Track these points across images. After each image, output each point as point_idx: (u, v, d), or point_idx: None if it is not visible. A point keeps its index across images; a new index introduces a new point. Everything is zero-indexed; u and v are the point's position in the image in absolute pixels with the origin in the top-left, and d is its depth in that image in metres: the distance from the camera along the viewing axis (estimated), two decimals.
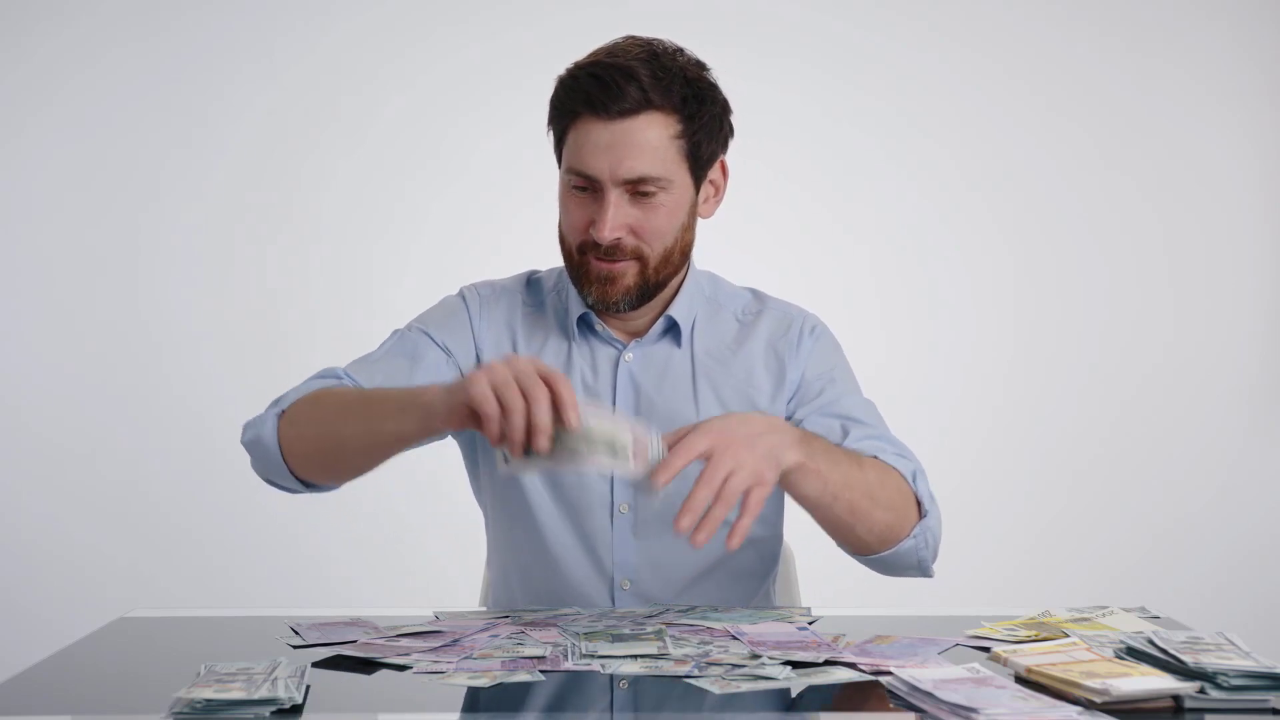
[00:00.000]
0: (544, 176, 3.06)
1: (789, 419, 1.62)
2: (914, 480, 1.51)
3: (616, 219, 1.53)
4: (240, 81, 3.23)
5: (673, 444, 1.30)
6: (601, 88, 1.50)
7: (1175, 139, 3.33)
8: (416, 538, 3.20)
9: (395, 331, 1.68)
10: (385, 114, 3.25)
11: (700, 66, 1.57)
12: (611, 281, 1.57)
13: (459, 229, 3.24)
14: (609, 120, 1.51)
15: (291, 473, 1.50)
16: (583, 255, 1.57)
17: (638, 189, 1.53)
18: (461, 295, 1.71)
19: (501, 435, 1.26)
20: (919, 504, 1.50)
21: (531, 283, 1.73)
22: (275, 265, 3.24)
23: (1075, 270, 3.33)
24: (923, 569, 1.54)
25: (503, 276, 1.76)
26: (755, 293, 1.75)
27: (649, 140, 1.52)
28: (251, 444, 1.52)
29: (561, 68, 1.58)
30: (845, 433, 1.55)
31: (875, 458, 1.49)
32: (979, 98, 3.32)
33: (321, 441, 1.47)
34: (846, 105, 3.30)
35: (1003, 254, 3.33)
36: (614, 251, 1.55)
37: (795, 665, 1.22)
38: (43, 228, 3.21)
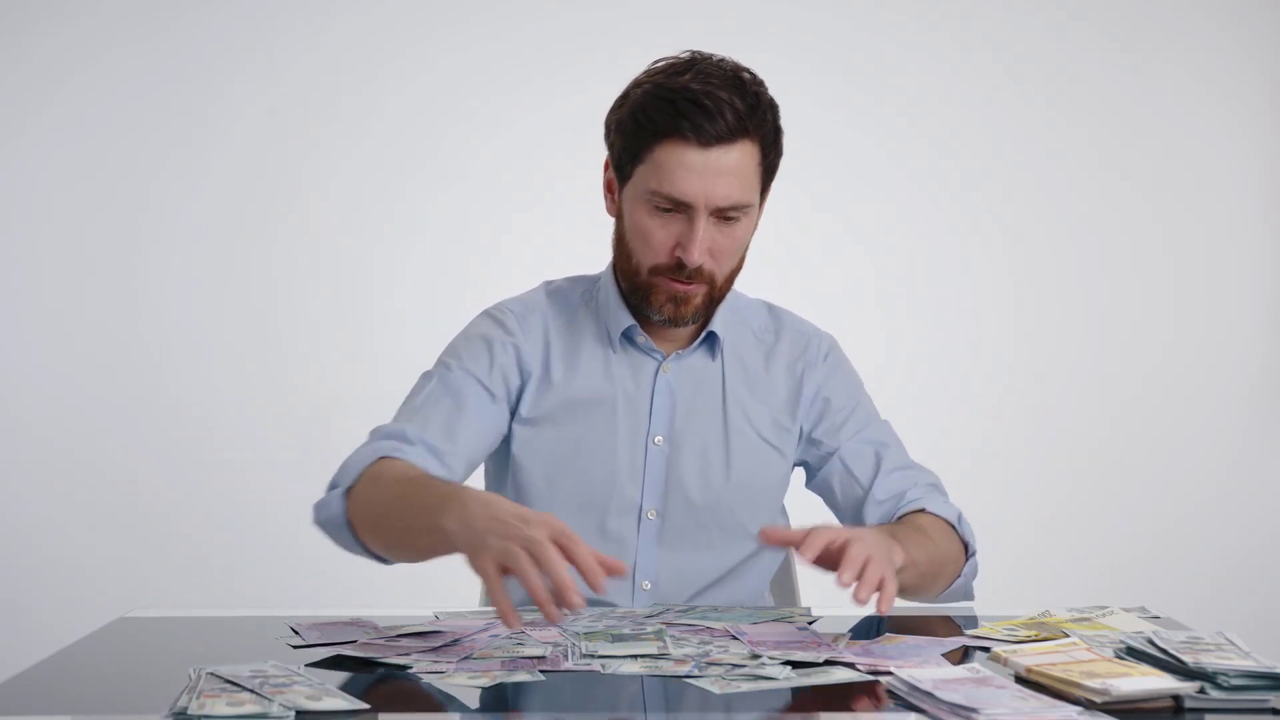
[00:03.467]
0: (543, 177, 3.07)
1: (807, 436, 1.69)
2: (959, 523, 1.61)
3: (704, 243, 1.53)
4: (240, 81, 3.22)
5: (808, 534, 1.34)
6: (701, 113, 1.49)
7: (1175, 139, 3.33)
8: None
9: (425, 374, 1.64)
10: (385, 114, 3.24)
11: (765, 86, 1.57)
12: (686, 302, 1.58)
13: (459, 229, 3.23)
14: (705, 146, 1.50)
15: (373, 554, 1.50)
16: (654, 275, 1.57)
17: (725, 214, 1.53)
18: (495, 320, 1.67)
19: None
20: (965, 545, 1.61)
21: (553, 294, 1.71)
22: (275, 265, 3.24)
23: (1075, 270, 3.33)
24: (967, 596, 1.63)
25: (514, 291, 1.73)
26: (770, 308, 1.76)
27: (742, 167, 1.52)
28: (325, 525, 1.51)
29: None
30: (879, 459, 1.66)
31: (924, 512, 1.59)
32: (978, 98, 3.31)
33: (383, 534, 1.46)
34: (845, 105, 3.29)
35: (1002, 254, 3.33)
36: (694, 274, 1.55)
37: (795, 665, 1.22)
38: (42, 227, 3.21)
